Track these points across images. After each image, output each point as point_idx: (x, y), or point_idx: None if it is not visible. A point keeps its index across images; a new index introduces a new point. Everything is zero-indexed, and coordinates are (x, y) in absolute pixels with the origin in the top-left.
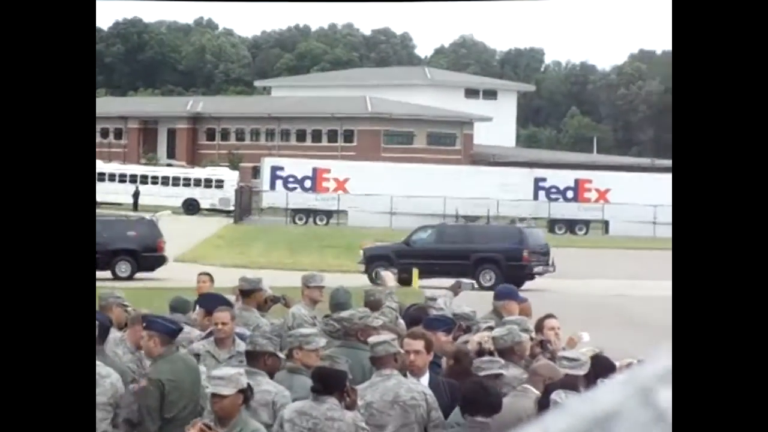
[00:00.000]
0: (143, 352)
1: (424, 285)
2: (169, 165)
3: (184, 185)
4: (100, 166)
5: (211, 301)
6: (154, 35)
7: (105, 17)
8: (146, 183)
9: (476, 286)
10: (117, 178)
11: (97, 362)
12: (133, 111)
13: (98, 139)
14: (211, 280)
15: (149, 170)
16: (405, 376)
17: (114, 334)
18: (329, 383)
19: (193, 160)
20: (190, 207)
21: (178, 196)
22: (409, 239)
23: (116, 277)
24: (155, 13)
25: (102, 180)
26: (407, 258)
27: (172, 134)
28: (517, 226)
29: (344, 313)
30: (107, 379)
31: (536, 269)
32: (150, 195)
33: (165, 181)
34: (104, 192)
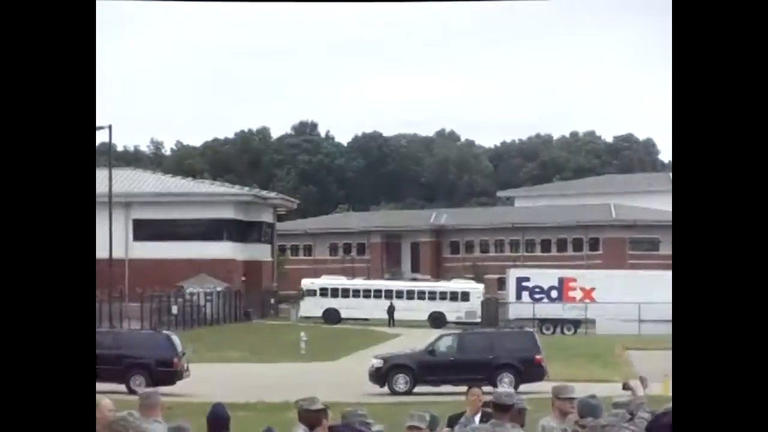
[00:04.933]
0: None
1: None
2: (413, 279)
3: (430, 299)
4: (345, 282)
5: None
6: (394, 148)
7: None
8: (391, 297)
9: None
10: (361, 294)
11: None
12: (376, 226)
13: (341, 254)
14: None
15: (395, 285)
16: None
17: None
18: None
19: (438, 274)
20: (437, 320)
21: (424, 309)
22: None
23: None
24: (395, 127)
25: (346, 296)
26: None
27: (415, 248)
28: (164, 332)
29: (589, 420)
30: None
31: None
32: (397, 310)
33: (410, 295)
34: (350, 307)
